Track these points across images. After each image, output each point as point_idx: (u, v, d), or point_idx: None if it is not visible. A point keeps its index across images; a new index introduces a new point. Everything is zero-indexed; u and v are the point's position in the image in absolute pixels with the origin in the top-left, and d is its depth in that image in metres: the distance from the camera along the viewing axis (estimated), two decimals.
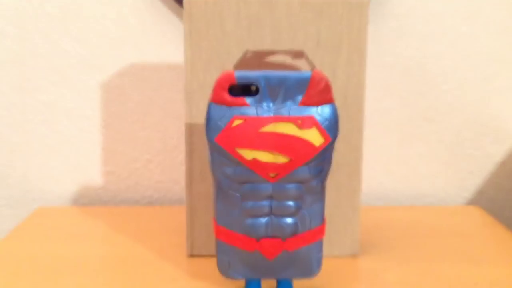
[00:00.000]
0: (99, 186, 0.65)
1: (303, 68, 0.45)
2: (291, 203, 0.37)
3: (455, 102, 0.64)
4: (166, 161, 0.64)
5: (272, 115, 0.35)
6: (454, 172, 0.65)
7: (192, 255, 0.48)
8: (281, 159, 0.36)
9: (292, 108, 0.36)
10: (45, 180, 0.64)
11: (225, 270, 0.39)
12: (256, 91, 0.36)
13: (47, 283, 0.42)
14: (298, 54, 0.44)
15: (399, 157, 0.65)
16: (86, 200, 0.65)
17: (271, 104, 0.36)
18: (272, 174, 0.36)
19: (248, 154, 0.36)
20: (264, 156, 0.36)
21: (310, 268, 0.39)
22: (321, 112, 0.36)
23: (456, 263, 0.46)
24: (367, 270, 0.45)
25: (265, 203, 0.37)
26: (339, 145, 0.46)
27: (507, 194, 0.66)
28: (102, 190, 0.65)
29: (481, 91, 0.64)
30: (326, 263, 0.46)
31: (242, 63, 0.45)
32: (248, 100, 0.36)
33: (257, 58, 0.45)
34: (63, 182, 0.65)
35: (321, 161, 0.37)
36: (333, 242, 0.48)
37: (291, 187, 0.37)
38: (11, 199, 0.65)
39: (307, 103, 0.36)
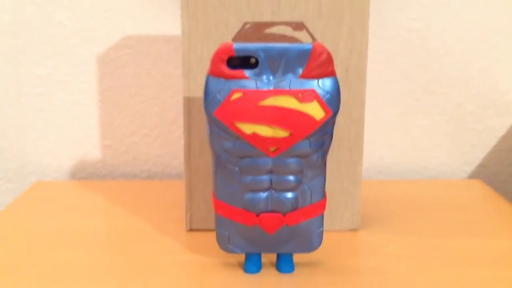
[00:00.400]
0: (96, 160, 0.64)
1: (304, 40, 0.44)
2: (291, 177, 0.37)
3: (457, 74, 0.63)
4: (164, 135, 0.64)
5: (272, 88, 0.35)
6: (456, 146, 0.65)
7: (191, 230, 0.47)
8: (281, 133, 0.35)
9: (292, 81, 0.35)
10: (42, 154, 0.64)
11: (225, 244, 0.39)
12: (256, 64, 0.35)
13: (45, 256, 0.42)
14: (299, 26, 0.43)
15: (400, 130, 0.64)
16: (84, 174, 0.65)
17: (271, 77, 0.35)
18: (272, 149, 0.36)
19: (248, 128, 0.35)
20: (264, 130, 0.35)
21: (310, 242, 0.39)
22: (322, 85, 0.35)
23: (457, 237, 0.46)
24: (367, 244, 0.45)
25: (265, 177, 0.37)
26: (340, 119, 0.45)
27: (509, 167, 0.66)
28: (100, 164, 0.64)
29: (484, 63, 0.63)
30: (326, 237, 0.46)
31: (241, 35, 0.44)
32: (247, 73, 0.35)
33: (256, 30, 0.44)
34: (60, 156, 0.64)
35: (322, 135, 0.36)
36: (333, 216, 0.47)
37: (292, 161, 0.36)
38: (8, 173, 0.64)
39: (307, 76, 0.35)
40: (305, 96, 0.35)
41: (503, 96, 0.64)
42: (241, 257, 0.42)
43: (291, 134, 0.35)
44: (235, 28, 0.44)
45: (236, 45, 0.34)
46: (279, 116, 0.35)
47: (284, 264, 0.40)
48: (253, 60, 0.35)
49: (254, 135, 0.35)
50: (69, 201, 0.54)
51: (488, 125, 0.64)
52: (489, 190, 0.58)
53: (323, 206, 0.38)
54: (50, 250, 0.43)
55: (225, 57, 0.35)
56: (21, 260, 0.42)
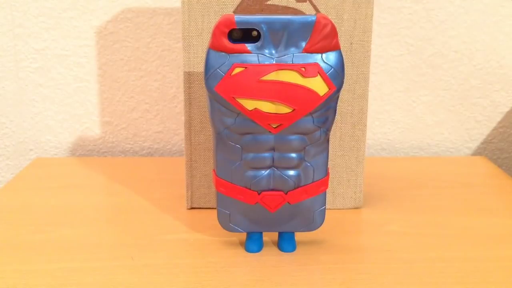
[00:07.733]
0: (97, 137, 0.63)
1: (307, 12, 0.43)
2: (293, 155, 0.36)
3: (463, 48, 0.62)
4: (165, 111, 0.63)
5: (274, 62, 0.34)
6: (460, 122, 0.64)
7: (192, 208, 0.47)
8: (284, 109, 0.34)
9: (295, 55, 0.34)
10: (42, 130, 0.63)
11: (226, 223, 0.38)
12: (258, 37, 0.34)
13: (45, 233, 0.42)
14: None
15: (404, 107, 0.63)
16: (84, 151, 0.64)
17: (273, 51, 0.34)
18: (274, 125, 0.35)
19: (249, 104, 0.34)
20: (266, 106, 0.34)
21: (312, 221, 0.38)
22: (326, 59, 0.34)
23: (460, 214, 0.46)
24: (370, 222, 0.44)
25: (267, 155, 0.36)
26: (343, 94, 0.44)
27: None
28: (100, 141, 0.64)
29: (490, 37, 0.61)
30: (328, 216, 0.45)
31: (243, 7, 0.42)
32: (249, 46, 0.34)
33: (258, 2, 0.42)
34: (60, 132, 0.63)
35: (325, 111, 0.35)
36: (336, 194, 0.47)
37: (294, 138, 0.35)
38: (7, 149, 0.64)
39: (311, 50, 0.34)
40: (308, 70, 0.34)
41: (508, 71, 0.62)
42: (243, 236, 0.41)
43: (293, 110, 0.34)
44: (236, 0, 0.42)
45: (237, 18, 0.33)
46: (282, 92, 0.34)
47: (286, 243, 0.39)
48: (255, 33, 0.34)
49: (256, 111, 0.34)
50: (68, 178, 0.54)
51: (493, 100, 0.63)
52: (493, 167, 0.57)
53: (325, 183, 0.38)
54: (50, 227, 0.43)
55: (226, 30, 0.34)
56: (21, 237, 0.41)
